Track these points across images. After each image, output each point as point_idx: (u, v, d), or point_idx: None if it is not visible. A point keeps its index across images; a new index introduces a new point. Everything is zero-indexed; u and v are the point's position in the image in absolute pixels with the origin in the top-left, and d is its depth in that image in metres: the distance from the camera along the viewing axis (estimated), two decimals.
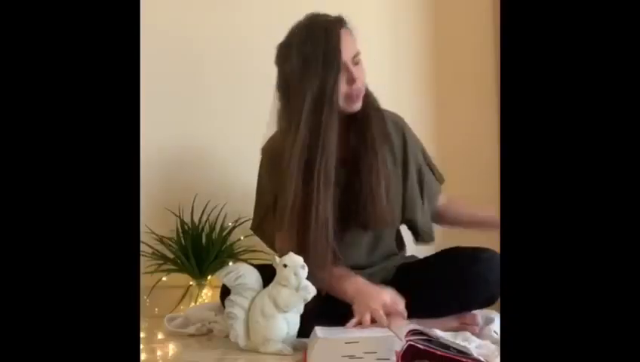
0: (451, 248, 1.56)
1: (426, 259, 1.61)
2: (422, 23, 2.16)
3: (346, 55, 1.43)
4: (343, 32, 1.45)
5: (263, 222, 1.61)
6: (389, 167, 1.53)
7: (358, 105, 1.49)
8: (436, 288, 1.49)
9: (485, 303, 1.52)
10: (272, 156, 1.53)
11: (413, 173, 1.60)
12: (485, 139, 2.10)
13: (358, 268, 1.54)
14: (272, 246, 1.61)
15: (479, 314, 1.54)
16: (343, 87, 1.44)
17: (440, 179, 1.68)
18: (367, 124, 1.51)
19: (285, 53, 1.47)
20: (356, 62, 1.47)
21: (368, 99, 1.52)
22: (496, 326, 1.50)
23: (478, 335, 1.41)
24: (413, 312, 1.40)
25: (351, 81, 1.45)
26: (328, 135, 1.41)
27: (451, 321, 1.47)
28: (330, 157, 1.42)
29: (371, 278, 1.51)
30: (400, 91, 2.13)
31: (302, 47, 1.42)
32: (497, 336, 1.42)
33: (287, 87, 1.48)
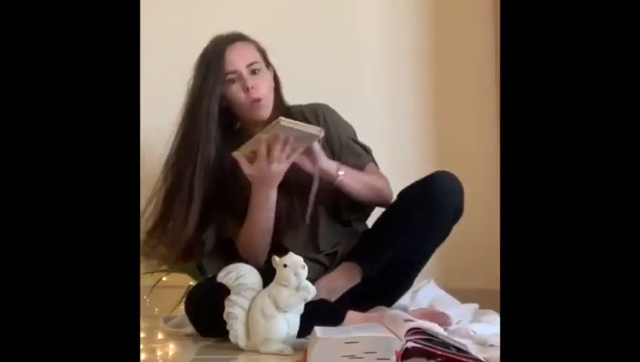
0: (404, 188, 1.58)
1: (391, 205, 1.62)
2: (422, 24, 2.16)
3: (237, 64, 1.54)
4: (235, 46, 1.56)
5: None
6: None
7: (264, 112, 1.57)
8: (409, 222, 1.52)
9: (456, 214, 1.55)
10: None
11: (335, 150, 1.65)
12: (485, 139, 2.10)
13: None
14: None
15: (457, 311, 1.58)
16: (240, 97, 1.55)
17: (367, 151, 1.70)
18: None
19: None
20: (253, 72, 1.56)
21: (281, 106, 1.62)
22: (480, 326, 1.50)
23: (453, 335, 1.41)
24: (402, 259, 1.48)
25: (245, 89, 1.54)
26: (202, 145, 1.51)
27: (424, 319, 1.47)
28: (204, 166, 1.51)
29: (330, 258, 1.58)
30: (400, 91, 2.13)
31: (196, 64, 1.57)
32: (477, 335, 1.43)
33: (185, 105, 1.60)
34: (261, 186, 1.50)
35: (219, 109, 1.55)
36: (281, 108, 1.63)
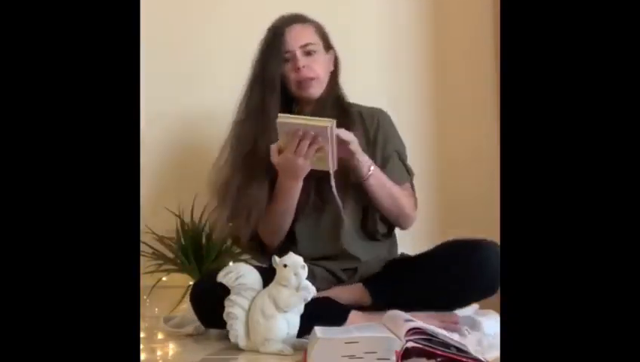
0: (451, 240, 1.57)
1: (426, 251, 1.61)
2: (422, 24, 2.16)
3: (293, 44, 1.60)
4: (295, 27, 1.62)
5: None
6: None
7: (311, 92, 1.62)
8: (437, 279, 1.50)
9: (485, 293, 1.52)
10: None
11: (378, 157, 1.65)
12: (485, 140, 2.09)
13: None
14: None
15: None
16: (291, 75, 1.61)
17: (409, 172, 1.70)
18: (330, 108, 1.62)
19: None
20: (307, 52, 1.61)
21: (333, 89, 1.66)
22: (485, 328, 1.50)
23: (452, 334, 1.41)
24: (413, 305, 1.42)
25: (296, 68, 1.60)
26: (269, 115, 1.54)
27: (432, 320, 1.47)
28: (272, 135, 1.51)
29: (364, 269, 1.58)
30: (400, 92, 2.13)
31: (258, 45, 1.64)
32: (472, 335, 1.44)
33: (248, 81, 1.65)
34: (285, 177, 1.53)
35: (280, 86, 1.61)
36: (335, 91, 1.67)
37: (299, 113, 1.63)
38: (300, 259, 1.35)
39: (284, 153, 1.47)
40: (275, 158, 1.49)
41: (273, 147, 1.49)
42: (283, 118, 1.43)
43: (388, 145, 1.67)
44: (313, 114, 1.56)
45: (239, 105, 1.66)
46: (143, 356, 1.37)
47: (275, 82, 1.60)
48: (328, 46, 1.68)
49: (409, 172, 1.70)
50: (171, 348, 1.50)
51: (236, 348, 1.40)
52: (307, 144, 1.43)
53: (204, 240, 1.97)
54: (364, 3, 2.16)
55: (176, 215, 2.01)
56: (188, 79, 2.15)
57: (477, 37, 2.14)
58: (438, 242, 1.65)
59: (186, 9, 2.17)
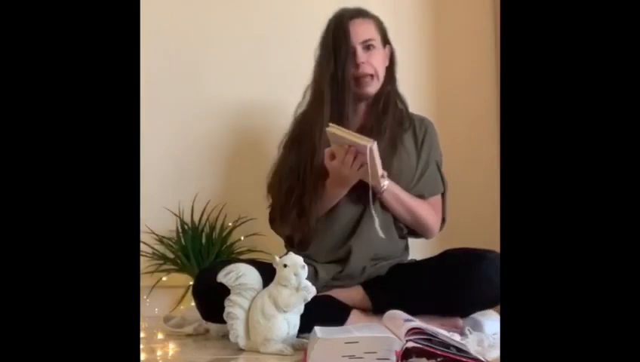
0: (455, 248, 1.57)
1: (429, 259, 1.61)
2: (422, 25, 2.16)
3: (354, 40, 1.61)
4: (355, 22, 1.63)
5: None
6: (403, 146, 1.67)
7: (368, 89, 1.64)
8: (439, 289, 1.49)
9: (489, 304, 1.52)
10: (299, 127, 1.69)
11: (420, 162, 1.68)
12: (486, 140, 2.10)
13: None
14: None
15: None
16: (350, 70, 1.60)
17: (444, 184, 1.72)
18: (385, 106, 1.65)
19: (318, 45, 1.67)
20: (367, 47, 1.63)
21: (388, 85, 1.68)
22: (487, 328, 1.50)
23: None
24: (415, 313, 1.40)
25: (356, 64, 1.61)
26: (344, 108, 1.58)
27: (432, 322, 1.46)
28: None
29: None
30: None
31: (322, 35, 1.65)
32: (474, 334, 1.44)
33: (316, 71, 1.65)
34: (334, 181, 1.56)
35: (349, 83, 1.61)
36: (391, 87, 1.69)
37: (355, 108, 1.65)
38: (300, 259, 1.35)
39: (335, 161, 1.50)
40: (327, 162, 1.52)
41: (327, 151, 1.52)
42: (332, 129, 1.46)
43: (431, 154, 1.70)
44: (367, 110, 1.65)
45: (307, 98, 1.67)
46: (143, 356, 1.37)
47: (347, 69, 1.59)
48: (386, 41, 1.70)
49: (444, 183, 1.72)
50: (171, 348, 1.50)
51: (234, 348, 1.40)
52: (352, 158, 1.47)
53: (204, 240, 1.97)
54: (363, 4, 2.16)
55: (176, 215, 2.01)
56: (188, 79, 2.15)
57: (477, 37, 2.14)
58: (436, 249, 1.66)
59: (186, 9, 2.17)
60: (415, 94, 2.13)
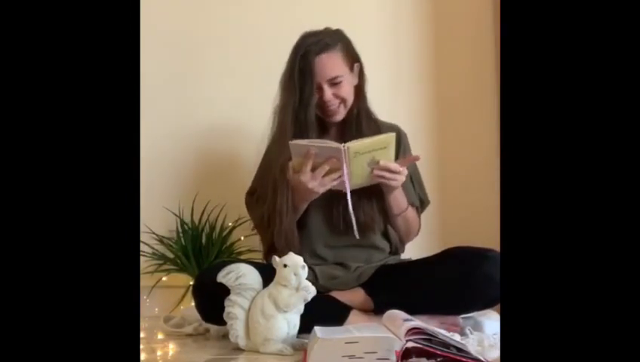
0: (455, 247, 1.57)
1: (430, 257, 1.61)
2: (422, 25, 2.16)
3: (320, 77, 1.59)
4: (322, 58, 1.59)
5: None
6: None
7: (337, 117, 1.64)
8: (441, 287, 1.49)
9: (489, 304, 1.52)
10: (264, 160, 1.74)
11: None
12: (486, 140, 2.10)
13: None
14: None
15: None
16: (314, 104, 1.60)
17: (424, 200, 1.74)
18: (358, 125, 1.65)
19: (283, 71, 1.65)
20: (334, 84, 1.61)
21: (358, 104, 1.67)
22: (487, 328, 1.50)
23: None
24: (416, 312, 1.40)
25: (322, 101, 1.61)
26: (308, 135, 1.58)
27: (432, 322, 1.47)
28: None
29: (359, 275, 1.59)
30: (400, 94, 2.13)
31: (288, 63, 1.63)
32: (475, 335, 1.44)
33: (281, 99, 1.64)
34: (296, 196, 1.57)
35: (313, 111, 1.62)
36: (360, 105, 1.68)
37: (325, 131, 1.67)
38: (300, 259, 1.35)
39: (298, 174, 1.50)
40: (290, 176, 1.54)
41: (290, 165, 1.53)
42: (296, 140, 1.48)
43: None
44: (339, 133, 1.65)
45: (273, 126, 1.68)
46: (143, 356, 1.37)
47: (310, 108, 1.59)
48: (354, 61, 1.66)
49: (421, 198, 1.73)
50: (171, 348, 1.50)
51: (234, 348, 1.40)
52: (322, 166, 1.48)
53: (204, 240, 1.97)
54: (364, 5, 2.16)
55: (176, 215, 2.01)
56: (188, 79, 2.15)
57: (478, 42, 2.14)
58: (436, 248, 1.66)
59: (186, 10, 2.17)
60: (415, 93, 2.14)
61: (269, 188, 1.63)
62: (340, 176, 1.49)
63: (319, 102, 1.61)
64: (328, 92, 1.61)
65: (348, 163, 1.46)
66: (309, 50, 1.59)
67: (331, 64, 1.61)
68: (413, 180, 1.71)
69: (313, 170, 1.49)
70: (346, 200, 1.50)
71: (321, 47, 1.60)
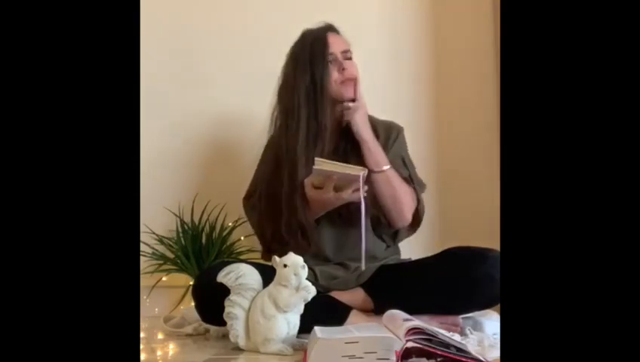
0: (455, 247, 1.56)
1: (430, 257, 1.61)
2: (422, 25, 2.16)
3: (334, 49, 1.65)
4: (331, 35, 1.67)
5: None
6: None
7: (351, 92, 1.64)
8: (441, 287, 1.50)
9: (489, 304, 1.52)
10: (275, 150, 1.70)
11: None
12: (486, 139, 2.10)
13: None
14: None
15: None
16: (334, 75, 1.64)
17: (415, 180, 1.73)
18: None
19: (285, 62, 1.70)
20: (347, 58, 1.67)
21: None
22: (487, 328, 1.50)
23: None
24: (416, 312, 1.40)
25: (341, 69, 1.64)
26: (324, 121, 1.61)
27: (432, 322, 1.46)
28: (327, 144, 1.61)
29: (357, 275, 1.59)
30: (400, 95, 2.13)
31: (294, 50, 1.68)
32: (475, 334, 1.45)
33: (285, 88, 1.67)
34: (315, 207, 1.60)
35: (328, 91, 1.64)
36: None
37: (337, 120, 1.66)
38: (300, 259, 1.35)
39: (322, 191, 1.55)
40: (309, 192, 1.57)
41: (307, 182, 1.56)
42: (320, 165, 1.51)
43: (398, 159, 1.70)
44: (338, 136, 1.66)
45: (278, 113, 1.69)
46: (143, 356, 1.37)
47: (325, 86, 1.62)
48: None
49: (416, 181, 1.71)
50: (171, 348, 1.50)
51: (234, 348, 1.40)
52: (345, 190, 1.52)
53: (204, 240, 1.97)
54: (364, 5, 2.16)
55: (176, 215, 2.01)
56: (188, 79, 2.15)
57: (478, 41, 2.14)
58: (437, 247, 1.66)
59: (186, 10, 2.17)
60: (415, 91, 2.14)
61: (285, 182, 1.62)
62: (357, 189, 1.52)
63: (338, 72, 1.63)
64: (344, 63, 1.64)
65: (362, 186, 1.52)
66: (320, 28, 1.68)
67: (342, 40, 1.69)
68: (405, 161, 1.72)
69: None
70: (360, 225, 1.53)
71: (328, 27, 1.69)
